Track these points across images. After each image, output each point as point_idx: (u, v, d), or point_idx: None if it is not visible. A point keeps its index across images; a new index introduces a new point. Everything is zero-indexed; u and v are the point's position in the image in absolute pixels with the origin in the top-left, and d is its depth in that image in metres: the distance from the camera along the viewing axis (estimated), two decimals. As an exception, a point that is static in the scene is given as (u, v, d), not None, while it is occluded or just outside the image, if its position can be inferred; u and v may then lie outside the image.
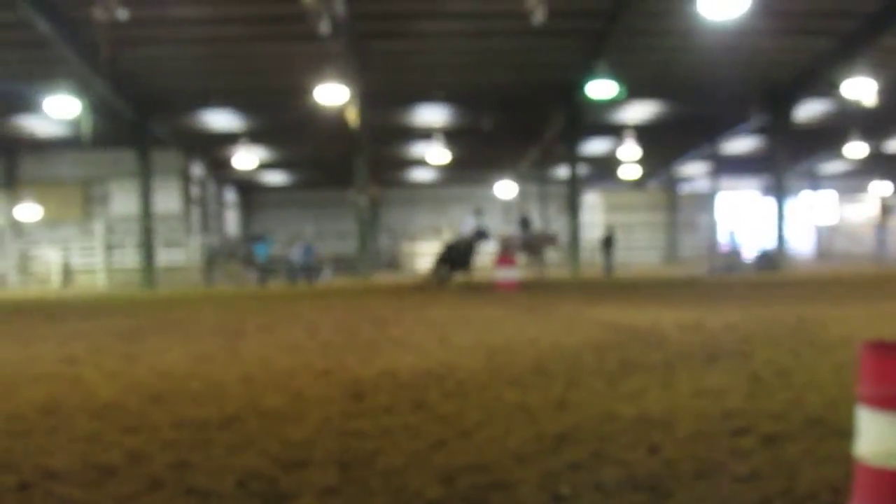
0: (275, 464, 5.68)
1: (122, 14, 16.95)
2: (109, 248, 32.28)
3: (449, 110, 29.95)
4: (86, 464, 5.77)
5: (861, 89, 24.45)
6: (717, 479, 5.14)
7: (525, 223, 32.69)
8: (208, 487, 5.17)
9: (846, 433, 4.54)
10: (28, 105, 25.74)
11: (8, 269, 31.25)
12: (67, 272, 32.16)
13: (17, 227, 34.24)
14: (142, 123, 28.22)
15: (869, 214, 42.81)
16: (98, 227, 33.40)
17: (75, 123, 25.71)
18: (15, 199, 34.40)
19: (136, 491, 5.14)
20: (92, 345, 12.50)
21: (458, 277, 25.90)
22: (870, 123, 32.31)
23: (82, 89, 23.97)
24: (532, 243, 30.64)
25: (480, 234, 26.27)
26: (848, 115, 30.33)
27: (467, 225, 27.23)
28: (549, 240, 32.02)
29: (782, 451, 5.66)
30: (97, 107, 25.53)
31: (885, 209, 42.19)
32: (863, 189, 45.15)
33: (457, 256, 25.50)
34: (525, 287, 22.64)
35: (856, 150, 35.77)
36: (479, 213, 28.16)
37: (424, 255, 35.06)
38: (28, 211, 33.64)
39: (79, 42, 21.45)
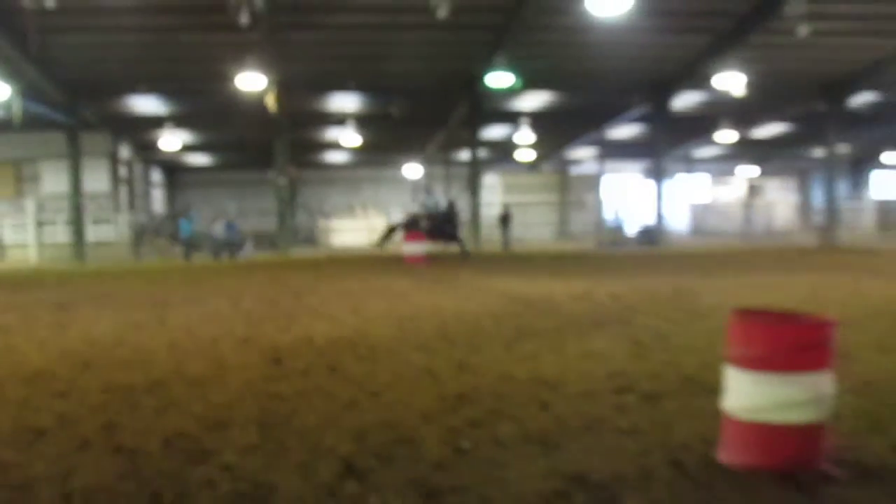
0: (199, 424, 5.68)
1: (50, 2, 16.45)
2: (40, 224, 31.34)
3: (361, 98, 29.85)
4: (17, 427, 5.70)
5: (731, 82, 25.14)
6: (601, 432, 5.32)
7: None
8: (135, 446, 5.17)
9: (716, 391, 4.78)
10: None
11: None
12: (-1, 247, 31.14)
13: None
14: (71, 107, 27.44)
15: (737, 195, 44.06)
16: (29, 205, 32.49)
17: (5, 107, 24.83)
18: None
19: (65, 451, 5.12)
20: (23, 315, 12.20)
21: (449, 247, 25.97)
22: (738, 113, 33.21)
23: (12, 74, 23.25)
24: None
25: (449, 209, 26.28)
26: (719, 105, 31.15)
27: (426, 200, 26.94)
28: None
29: (660, 407, 5.88)
30: (27, 91, 24.77)
31: (752, 190, 43.57)
32: (732, 172, 46.36)
33: (439, 227, 25.13)
34: (430, 261, 22.72)
35: (726, 136, 36.73)
36: (428, 189, 27.88)
37: (339, 231, 34.91)
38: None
39: (8, 28, 20.70)
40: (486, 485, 4.29)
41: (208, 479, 4.54)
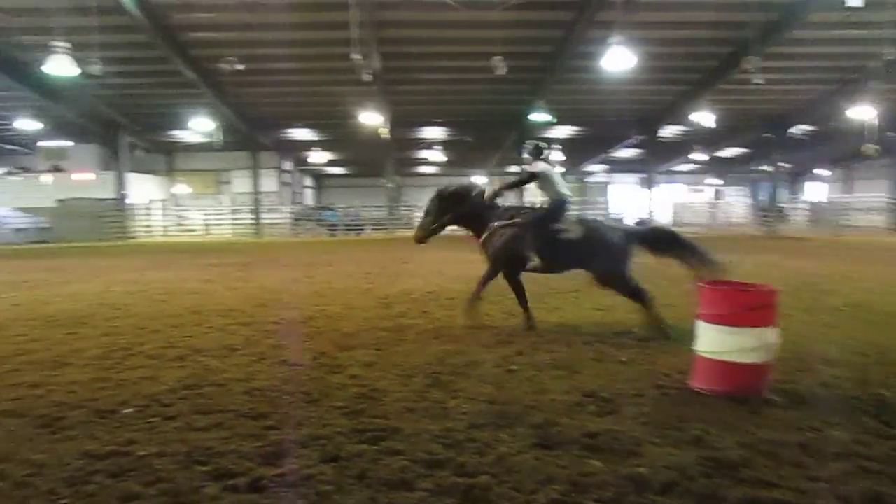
0: (335, 347, 5.77)
1: (240, 67, 16.85)
2: (232, 212, 32.21)
3: (444, 129, 29.78)
4: (218, 345, 5.88)
5: (703, 117, 24.28)
6: (606, 363, 5.15)
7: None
8: (294, 360, 5.27)
9: (688, 338, 4.59)
10: (180, 123, 25.68)
11: (169, 224, 31.37)
12: (206, 226, 32.23)
13: (174, 199, 34.40)
14: (252, 135, 28.04)
15: (706, 198, 42.73)
16: (225, 199, 33.83)
17: (210, 135, 25.64)
18: (172, 181, 34.51)
19: (249, 361, 5.27)
20: (220, 272, 12.57)
21: None
22: (707, 139, 32.08)
23: (215, 114, 23.94)
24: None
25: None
26: (694, 134, 30.11)
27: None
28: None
29: (649, 349, 5.69)
30: (224, 125, 25.48)
31: (717, 194, 42.11)
32: (702, 182, 45.00)
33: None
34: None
35: (698, 156, 35.53)
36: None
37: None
38: (180, 188, 33.86)
39: (212, 85, 21.26)
40: (529, 395, 4.24)
41: (342, 384, 4.62)
